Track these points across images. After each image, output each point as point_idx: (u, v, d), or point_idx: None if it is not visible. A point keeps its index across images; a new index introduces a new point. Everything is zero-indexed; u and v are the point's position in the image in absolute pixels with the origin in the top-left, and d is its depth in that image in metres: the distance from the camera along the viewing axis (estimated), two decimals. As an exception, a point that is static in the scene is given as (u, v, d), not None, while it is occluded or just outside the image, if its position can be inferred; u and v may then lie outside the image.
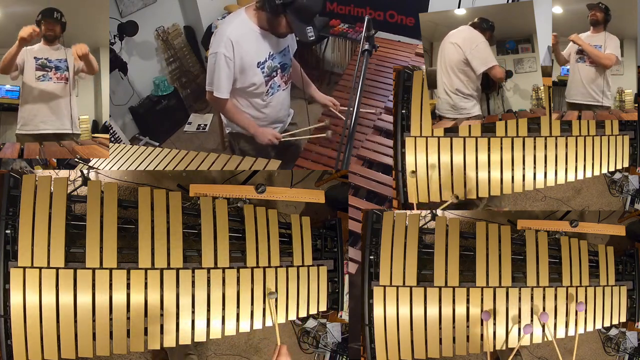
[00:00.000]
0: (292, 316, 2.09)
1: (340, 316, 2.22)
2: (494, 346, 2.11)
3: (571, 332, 2.22)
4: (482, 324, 2.09)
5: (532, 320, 2.14)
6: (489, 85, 2.15)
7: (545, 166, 2.23)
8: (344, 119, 2.52)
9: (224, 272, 1.96)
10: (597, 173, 2.28)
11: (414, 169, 2.21)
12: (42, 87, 1.95)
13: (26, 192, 1.81)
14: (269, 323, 2.01)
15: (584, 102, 2.23)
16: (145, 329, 1.84)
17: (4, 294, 1.75)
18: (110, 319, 1.81)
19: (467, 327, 2.09)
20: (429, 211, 2.28)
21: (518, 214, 2.48)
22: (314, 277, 2.15)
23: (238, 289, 1.97)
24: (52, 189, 1.83)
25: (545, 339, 2.15)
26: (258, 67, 2.18)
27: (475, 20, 2.08)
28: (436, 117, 2.21)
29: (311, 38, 2.03)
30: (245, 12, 2.13)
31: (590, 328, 2.28)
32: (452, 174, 2.22)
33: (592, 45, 2.16)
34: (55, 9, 1.91)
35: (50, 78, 1.96)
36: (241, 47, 2.09)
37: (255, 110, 2.35)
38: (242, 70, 2.16)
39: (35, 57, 1.94)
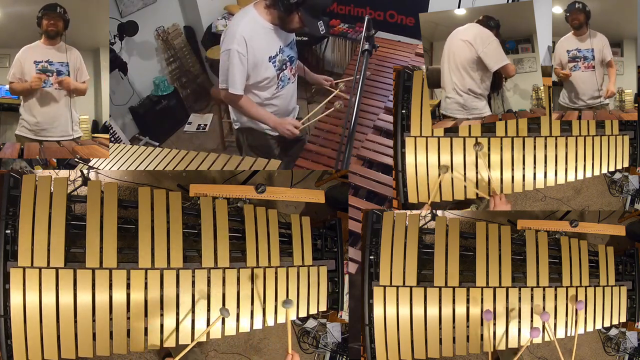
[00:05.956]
0: (292, 316, 2.09)
1: (340, 316, 2.22)
2: (494, 346, 2.11)
3: (571, 332, 2.22)
4: (482, 324, 2.09)
5: (532, 321, 2.14)
6: (494, 84, 2.14)
7: (545, 166, 2.23)
8: (345, 96, 2.58)
9: (224, 272, 1.96)
10: (597, 173, 2.27)
11: (447, 167, 2.19)
12: (43, 95, 1.91)
13: (26, 192, 1.81)
14: (269, 323, 2.01)
15: (587, 106, 2.22)
16: (145, 329, 1.84)
17: (4, 294, 1.75)
18: (110, 319, 1.81)
19: (467, 327, 2.09)
20: (429, 211, 2.28)
21: (518, 214, 2.48)
22: (314, 277, 2.15)
23: (238, 289, 1.97)
24: (52, 189, 1.83)
25: (547, 339, 2.16)
26: (270, 61, 2.23)
27: (481, 17, 2.07)
28: (436, 117, 2.20)
29: (322, 32, 2.12)
30: (254, 9, 2.17)
31: (590, 328, 2.28)
32: (452, 174, 2.21)
33: (582, 50, 2.14)
34: (58, 4, 1.87)
35: (52, 84, 1.91)
36: (253, 43, 2.13)
37: (266, 104, 2.38)
38: (255, 65, 2.20)
39: (35, 61, 1.88)
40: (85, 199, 1.88)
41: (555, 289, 2.21)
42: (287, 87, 2.40)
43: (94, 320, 1.79)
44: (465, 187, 2.22)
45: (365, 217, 2.14)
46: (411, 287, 2.08)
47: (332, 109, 2.39)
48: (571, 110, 2.22)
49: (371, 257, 2.11)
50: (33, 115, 1.92)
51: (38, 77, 1.87)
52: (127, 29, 3.71)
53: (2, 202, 1.80)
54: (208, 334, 1.90)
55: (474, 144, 2.16)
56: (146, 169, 2.34)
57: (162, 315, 1.86)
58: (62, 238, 1.80)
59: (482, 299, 2.11)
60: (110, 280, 1.81)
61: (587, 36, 2.13)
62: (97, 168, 2.36)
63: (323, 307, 2.17)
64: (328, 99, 2.51)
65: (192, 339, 1.89)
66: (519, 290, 2.15)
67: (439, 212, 2.33)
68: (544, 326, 2.13)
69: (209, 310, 1.92)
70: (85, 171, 2.21)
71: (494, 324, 2.11)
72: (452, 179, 2.22)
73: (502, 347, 2.13)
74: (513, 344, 2.13)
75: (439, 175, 2.18)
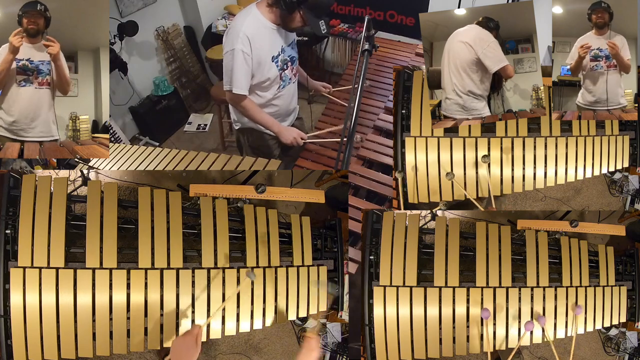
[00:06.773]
0: (292, 316, 2.09)
1: (340, 316, 2.22)
2: (494, 346, 2.11)
3: (571, 333, 2.22)
4: (482, 324, 2.09)
5: (532, 318, 2.14)
6: (494, 85, 2.15)
7: (546, 166, 2.23)
8: (342, 103, 2.66)
9: (224, 272, 1.96)
10: (597, 173, 2.28)
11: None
12: (22, 93, 1.86)
13: (26, 192, 1.81)
14: (269, 323, 2.01)
15: (613, 108, 2.21)
16: (145, 329, 1.84)
17: (4, 294, 1.75)
18: (110, 319, 1.81)
19: (467, 327, 2.09)
20: (429, 211, 2.27)
21: (518, 214, 2.48)
22: (314, 277, 2.15)
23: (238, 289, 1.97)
24: (52, 189, 1.83)
25: (545, 339, 2.16)
26: (272, 61, 2.22)
27: (481, 19, 2.07)
28: (436, 117, 2.20)
29: (324, 31, 2.12)
30: (256, 8, 2.16)
31: (590, 328, 2.28)
32: (456, 180, 2.21)
33: (603, 50, 2.12)
34: (38, 1, 1.83)
35: (32, 83, 1.86)
36: (257, 42, 2.13)
37: (268, 104, 2.37)
38: (258, 65, 2.19)
39: (16, 58, 1.84)
40: (85, 199, 1.88)
41: (555, 289, 2.21)
42: (288, 87, 2.40)
43: (94, 320, 1.79)
44: (465, 187, 2.22)
45: (365, 217, 2.14)
46: (411, 287, 2.08)
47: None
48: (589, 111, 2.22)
49: (371, 257, 2.11)
50: (11, 113, 1.88)
51: (19, 35, 1.80)
52: (127, 29, 3.71)
53: (2, 202, 1.80)
54: (208, 333, 1.90)
55: (482, 157, 2.17)
56: (146, 169, 2.34)
57: (162, 315, 1.86)
58: (62, 238, 1.79)
59: (482, 299, 2.11)
60: (110, 280, 1.81)
61: (608, 36, 2.12)
62: (97, 168, 2.36)
63: (323, 307, 2.17)
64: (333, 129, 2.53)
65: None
66: (519, 290, 2.15)
67: (439, 212, 2.33)
68: (543, 329, 2.13)
69: (208, 310, 1.92)
70: (85, 171, 2.21)
71: (494, 324, 2.11)
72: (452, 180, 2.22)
73: (502, 347, 2.12)
74: (513, 344, 2.12)
75: (449, 179, 2.18)
